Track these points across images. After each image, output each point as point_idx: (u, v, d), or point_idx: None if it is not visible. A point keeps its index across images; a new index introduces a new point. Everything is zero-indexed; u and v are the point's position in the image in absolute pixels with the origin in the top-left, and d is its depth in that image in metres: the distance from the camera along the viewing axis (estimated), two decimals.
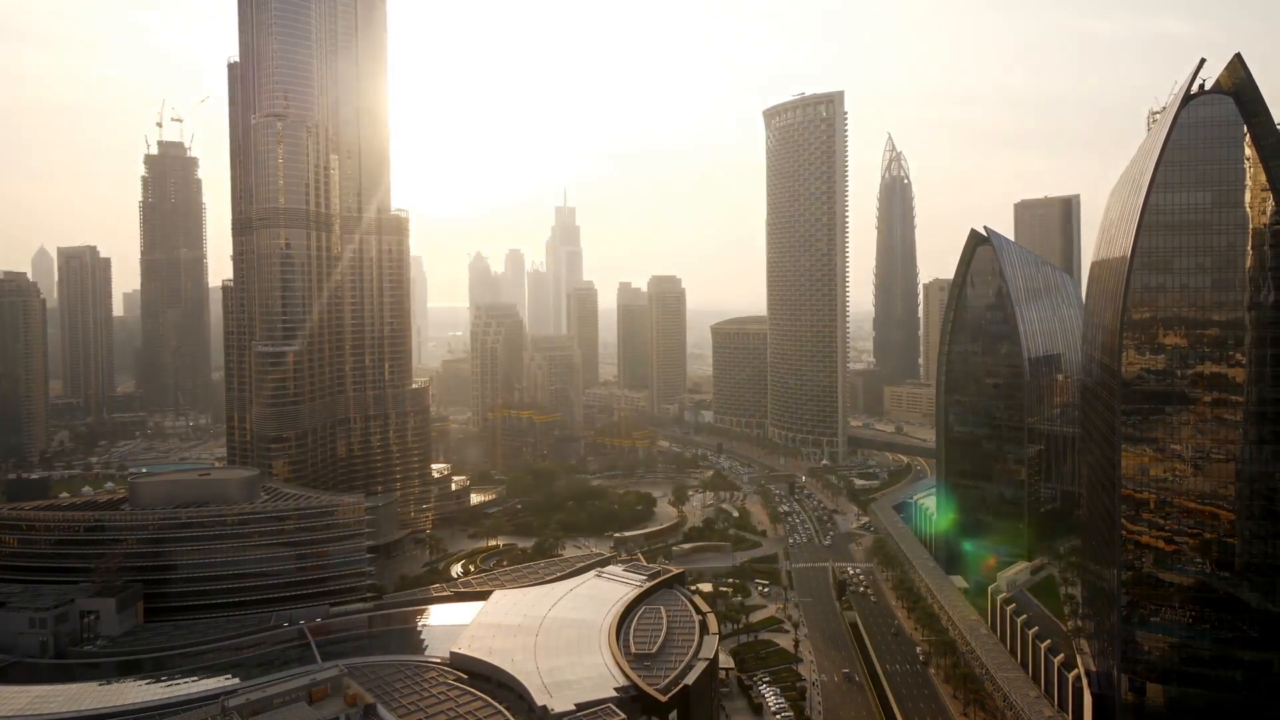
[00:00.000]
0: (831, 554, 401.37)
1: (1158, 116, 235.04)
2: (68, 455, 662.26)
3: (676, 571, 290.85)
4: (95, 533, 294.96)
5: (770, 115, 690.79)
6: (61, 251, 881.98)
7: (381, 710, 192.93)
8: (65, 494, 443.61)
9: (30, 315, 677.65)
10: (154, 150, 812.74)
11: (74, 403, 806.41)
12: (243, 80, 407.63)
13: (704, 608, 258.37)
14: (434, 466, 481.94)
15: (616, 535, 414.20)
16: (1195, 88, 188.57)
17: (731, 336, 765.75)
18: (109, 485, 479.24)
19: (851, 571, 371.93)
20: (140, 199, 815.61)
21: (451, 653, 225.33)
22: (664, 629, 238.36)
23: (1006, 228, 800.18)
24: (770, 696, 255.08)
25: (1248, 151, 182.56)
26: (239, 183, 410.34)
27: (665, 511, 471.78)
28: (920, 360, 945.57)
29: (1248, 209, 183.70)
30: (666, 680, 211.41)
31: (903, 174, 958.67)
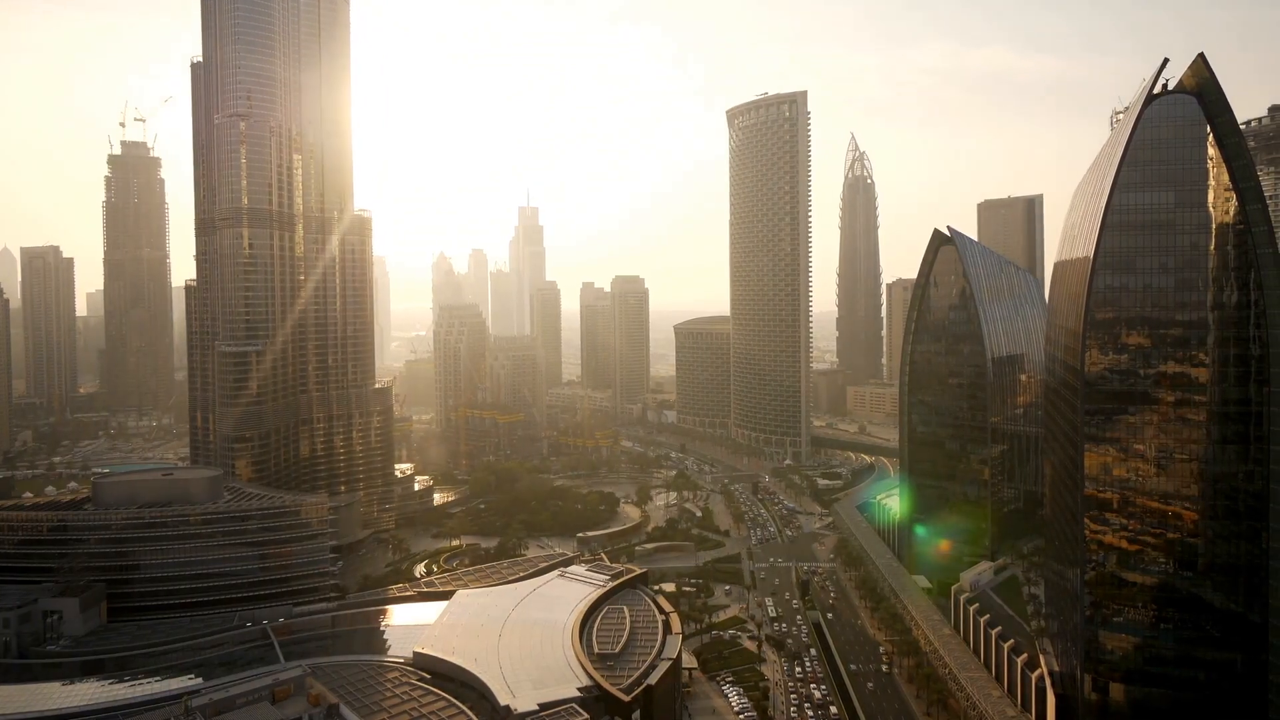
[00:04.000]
0: (795, 554, 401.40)
1: (1121, 116, 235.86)
2: (31, 455, 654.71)
3: (640, 571, 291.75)
4: (58, 532, 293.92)
5: (733, 115, 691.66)
6: (24, 251, 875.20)
7: (345, 710, 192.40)
8: (28, 494, 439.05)
9: None
10: (117, 150, 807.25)
11: (37, 403, 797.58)
12: (206, 80, 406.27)
13: (667, 608, 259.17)
14: (397, 467, 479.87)
15: (580, 535, 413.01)
16: (1158, 87, 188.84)
17: (694, 336, 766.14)
18: (72, 485, 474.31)
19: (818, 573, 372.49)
20: (103, 199, 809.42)
21: (415, 652, 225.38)
22: (627, 629, 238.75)
23: (970, 228, 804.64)
24: (734, 696, 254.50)
25: (1211, 151, 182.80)
26: (202, 182, 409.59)
27: (628, 511, 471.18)
28: (883, 360, 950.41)
29: (1211, 209, 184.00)
30: (630, 680, 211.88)
31: (866, 174, 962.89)
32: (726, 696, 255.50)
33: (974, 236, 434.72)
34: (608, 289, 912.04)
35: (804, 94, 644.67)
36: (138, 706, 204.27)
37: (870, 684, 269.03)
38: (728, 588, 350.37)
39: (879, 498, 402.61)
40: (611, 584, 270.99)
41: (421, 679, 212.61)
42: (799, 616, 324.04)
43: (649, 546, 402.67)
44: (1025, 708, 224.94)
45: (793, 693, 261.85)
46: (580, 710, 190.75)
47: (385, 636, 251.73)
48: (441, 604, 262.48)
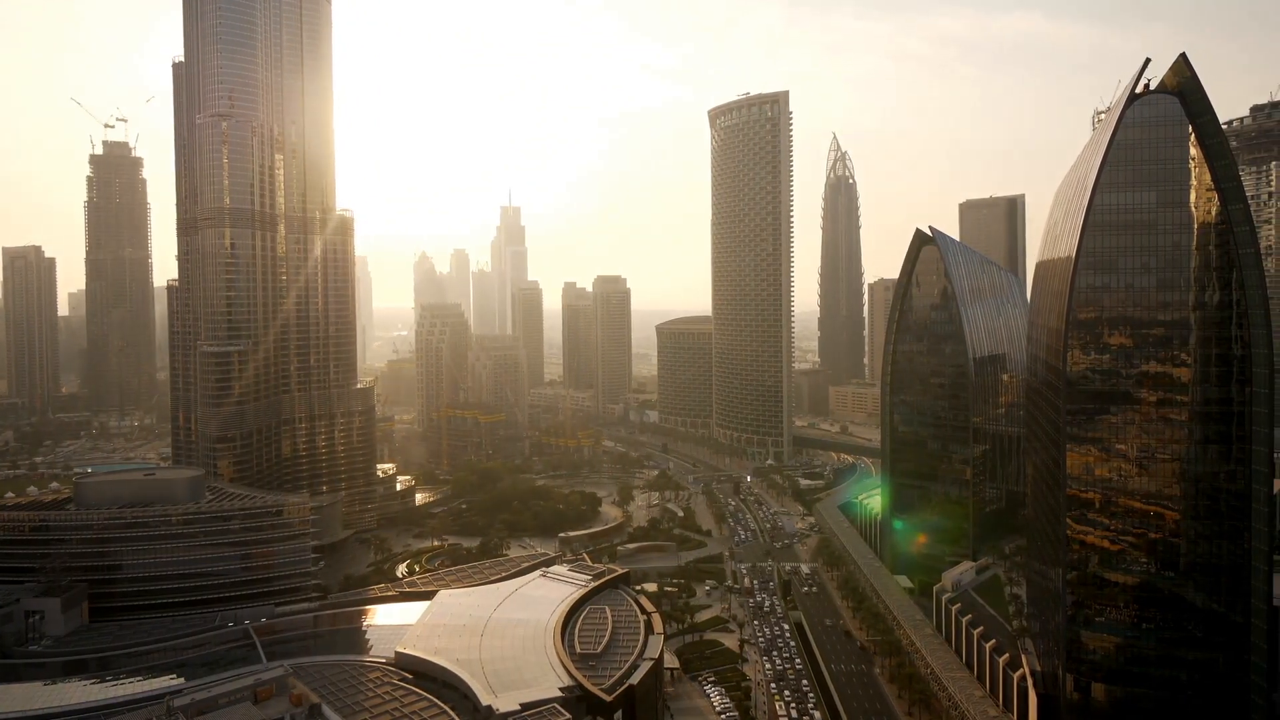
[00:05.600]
0: (777, 554, 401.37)
1: (1103, 116, 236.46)
2: (12, 455, 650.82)
3: (621, 571, 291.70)
4: (40, 532, 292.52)
5: (715, 115, 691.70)
6: (6, 251, 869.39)
7: (327, 710, 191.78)
8: (10, 494, 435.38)
9: None
10: (99, 150, 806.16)
11: (18, 403, 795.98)
12: (188, 80, 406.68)
13: (649, 608, 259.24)
14: (379, 466, 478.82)
15: (562, 535, 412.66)
16: (1140, 87, 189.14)
17: (676, 336, 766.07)
18: (54, 485, 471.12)
19: (803, 570, 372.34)
20: (85, 199, 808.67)
21: (397, 652, 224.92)
22: (609, 629, 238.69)
23: (951, 227, 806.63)
24: (715, 696, 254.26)
25: (1193, 151, 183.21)
26: (184, 182, 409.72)
27: (610, 511, 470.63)
28: (865, 360, 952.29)
29: (1193, 208, 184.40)
30: (612, 680, 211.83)
31: (848, 174, 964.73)
32: (708, 696, 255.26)
33: (956, 236, 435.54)
34: (589, 289, 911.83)
35: (785, 94, 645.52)
36: (120, 707, 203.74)
37: (852, 683, 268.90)
38: (709, 588, 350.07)
39: (861, 498, 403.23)
40: (593, 584, 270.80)
41: (403, 679, 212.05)
42: (781, 616, 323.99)
43: (631, 546, 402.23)
44: (1007, 708, 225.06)
45: (774, 693, 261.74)
46: (562, 710, 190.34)
47: (367, 636, 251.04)
48: (423, 604, 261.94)
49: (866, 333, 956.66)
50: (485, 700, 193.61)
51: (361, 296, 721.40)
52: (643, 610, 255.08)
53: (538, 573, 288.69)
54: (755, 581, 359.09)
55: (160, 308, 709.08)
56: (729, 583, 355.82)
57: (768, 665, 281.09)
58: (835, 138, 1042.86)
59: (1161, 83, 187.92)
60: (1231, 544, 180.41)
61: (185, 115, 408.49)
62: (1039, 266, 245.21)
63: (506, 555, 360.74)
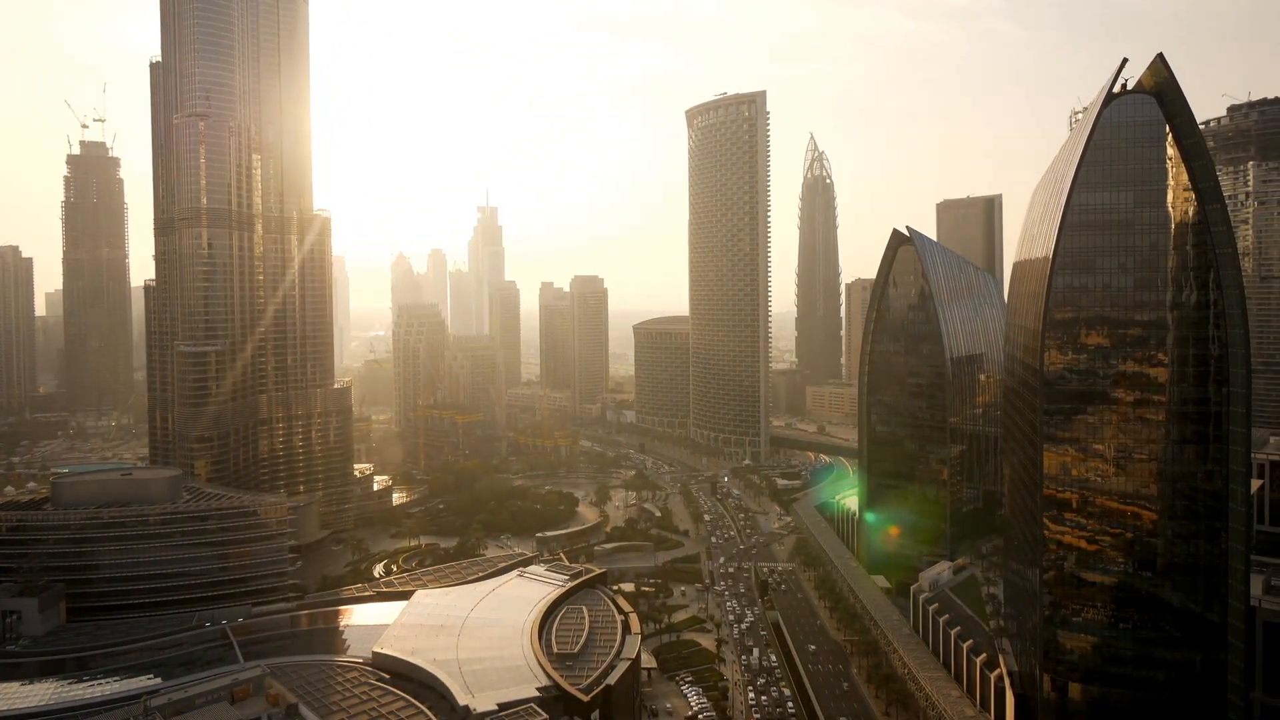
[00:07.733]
0: (754, 554, 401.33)
1: (1080, 116, 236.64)
2: None
3: (599, 571, 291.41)
4: (17, 533, 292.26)
5: (693, 115, 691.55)
6: None
7: (304, 710, 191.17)
8: None
9: None
10: (76, 150, 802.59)
11: None
12: (165, 80, 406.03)
13: (626, 608, 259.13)
14: (356, 467, 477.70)
15: (539, 535, 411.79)
16: (1118, 87, 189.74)
17: (654, 336, 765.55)
18: (31, 485, 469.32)
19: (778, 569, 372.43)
20: (62, 198, 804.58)
21: (374, 652, 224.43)
22: (586, 629, 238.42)
23: (929, 228, 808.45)
24: (693, 696, 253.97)
25: (1170, 151, 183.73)
26: (161, 182, 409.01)
27: (587, 511, 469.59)
28: (842, 360, 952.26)
29: (1170, 209, 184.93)
30: (589, 680, 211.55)
31: (825, 174, 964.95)
32: (686, 696, 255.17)
33: (933, 236, 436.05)
34: (567, 289, 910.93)
35: (763, 94, 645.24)
36: (97, 706, 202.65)
37: (829, 683, 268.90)
38: (683, 589, 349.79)
39: (838, 498, 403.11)
40: (570, 584, 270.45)
41: (380, 679, 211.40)
42: (758, 616, 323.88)
43: (608, 546, 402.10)
44: (984, 707, 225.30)
45: (752, 692, 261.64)
46: (539, 710, 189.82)
47: (344, 637, 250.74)
48: (400, 604, 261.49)
49: (844, 333, 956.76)
50: (462, 700, 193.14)
51: (339, 297, 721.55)
52: (620, 610, 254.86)
53: (515, 573, 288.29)
54: (732, 582, 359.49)
55: (138, 308, 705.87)
56: (706, 582, 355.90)
57: (745, 664, 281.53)
58: (812, 137, 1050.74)
59: (1139, 83, 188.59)
60: (1208, 544, 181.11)
61: (162, 115, 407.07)
62: (1016, 267, 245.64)
63: (483, 555, 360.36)
